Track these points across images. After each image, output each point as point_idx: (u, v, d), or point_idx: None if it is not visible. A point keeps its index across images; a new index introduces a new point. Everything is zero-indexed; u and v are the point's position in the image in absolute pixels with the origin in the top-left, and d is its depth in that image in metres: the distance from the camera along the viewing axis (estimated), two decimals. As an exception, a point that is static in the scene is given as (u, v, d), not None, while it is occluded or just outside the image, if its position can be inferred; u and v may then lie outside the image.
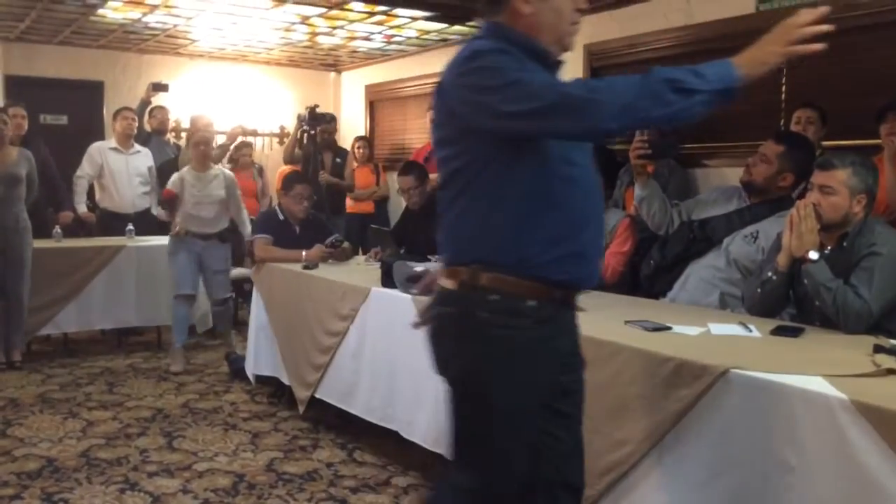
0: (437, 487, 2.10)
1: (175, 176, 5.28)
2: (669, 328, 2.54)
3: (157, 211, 5.90)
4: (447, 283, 1.87)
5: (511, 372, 1.80)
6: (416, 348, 3.24)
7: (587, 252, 1.89)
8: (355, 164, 7.42)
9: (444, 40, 7.28)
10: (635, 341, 2.37)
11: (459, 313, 1.84)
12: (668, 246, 3.58)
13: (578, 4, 1.86)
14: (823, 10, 1.69)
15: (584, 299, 3.03)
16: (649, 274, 3.64)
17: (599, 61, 5.85)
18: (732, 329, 2.55)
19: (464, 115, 1.80)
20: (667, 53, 5.37)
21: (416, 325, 2.02)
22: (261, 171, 7.26)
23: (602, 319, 2.75)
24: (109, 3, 5.97)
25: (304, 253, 4.44)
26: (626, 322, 2.62)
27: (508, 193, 1.78)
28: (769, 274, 2.75)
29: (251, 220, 5.50)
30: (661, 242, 3.68)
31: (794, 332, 2.48)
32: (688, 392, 2.13)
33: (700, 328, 2.56)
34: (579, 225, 1.85)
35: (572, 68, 5.98)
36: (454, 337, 1.86)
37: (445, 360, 1.91)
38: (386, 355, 3.50)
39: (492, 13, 1.88)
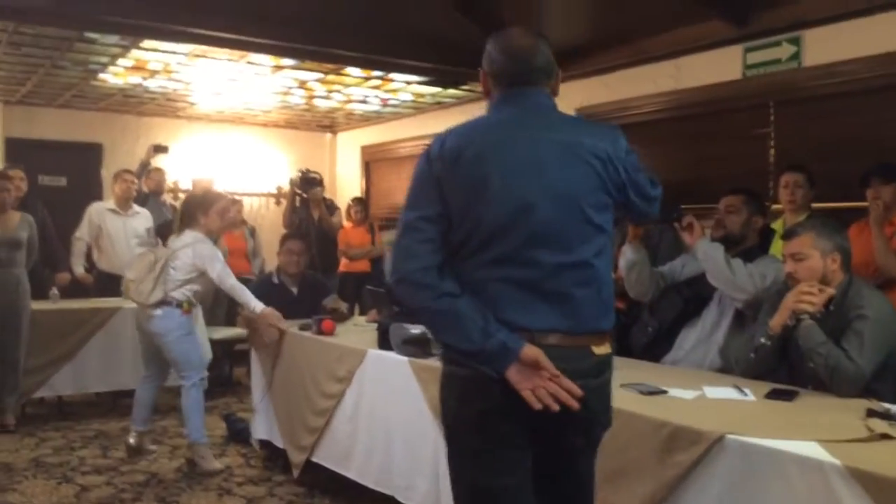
0: None
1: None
2: (665, 392, 2.57)
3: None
4: (604, 349, 1.94)
5: None
6: (413, 412, 3.27)
7: None
8: (349, 224, 7.49)
9: (439, 103, 7.43)
10: (631, 405, 2.39)
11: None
12: (660, 311, 3.61)
13: None
14: None
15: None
16: (646, 342, 3.65)
17: (591, 124, 5.98)
18: (727, 392, 2.58)
19: (623, 190, 1.97)
20: (656, 117, 5.51)
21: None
22: (253, 231, 7.31)
23: (598, 383, 2.78)
24: (111, 69, 6.10)
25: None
26: (622, 385, 2.63)
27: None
28: (762, 340, 2.79)
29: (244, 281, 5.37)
30: (650, 308, 3.71)
31: (788, 396, 2.51)
32: (684, 458, 2.15)
33: (695, 391, 2.58)
34: None
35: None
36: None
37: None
38: (383, 419, 3.50)
39: (546, 83, 2.03)
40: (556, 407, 1.77)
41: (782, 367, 2.86)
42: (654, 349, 3.63)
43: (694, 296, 3.53)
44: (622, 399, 2.47)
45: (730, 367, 3.12)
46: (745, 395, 2.54)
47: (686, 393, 2.57)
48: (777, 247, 3.58)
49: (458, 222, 1.87)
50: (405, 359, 3.37)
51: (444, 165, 1.88)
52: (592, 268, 1.90)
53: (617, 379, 2.70)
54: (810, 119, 4.67)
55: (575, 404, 1.78)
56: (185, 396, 4.39)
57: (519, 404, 1.79)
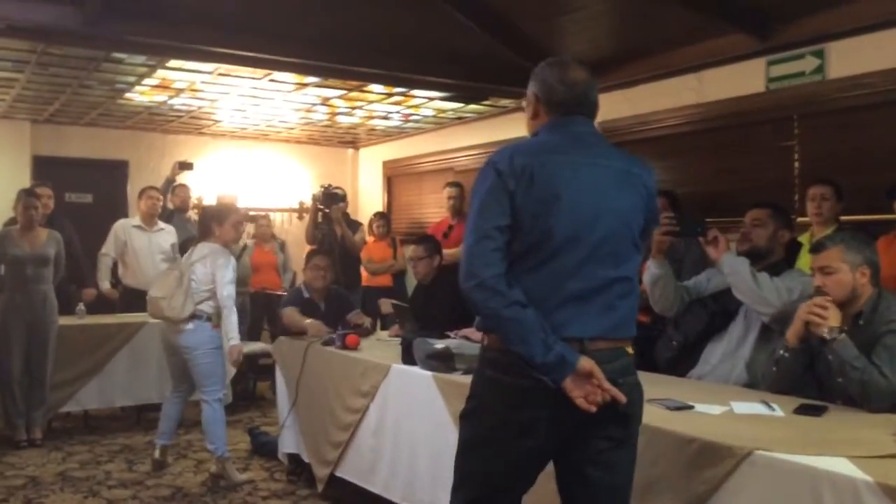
0: None
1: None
2: (692, 407, 2.55)
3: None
4: (632, 350, 2.13)
5: None
6: (437, 426, 3.27)
7: None
8: (371, 238, 7.52)
9: (460, 118, 7.47)
10: (658, 421, 2.38)
11: None
12: (685, 325, 3.58)
13: None
14: None
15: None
16: (671, 356, 3.62)
17: (612, 138, 5.95)
18: (755, 408, 2.55)
19: (654, 217, 2.26)
20: (677, 131, 5.51)
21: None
22: (283, 245, 7.36)
23: (623, 398, 2.77)
24: (137, 88, 6.19)
25: (308, 320, 4.51)
26: (648, 400, 2.61)
27: None
28: (781, 352, 2.77)
29: (274, 296, 5.51)
30: (674, 323, 3.68)
31: (816, 411, 2.48)
32: (712, 474, 2.13)
33: (723, 407, 2.56)
34: None
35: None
36: None
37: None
38: (406, 433, 3.51)
39: (594, 115, 2.22)
40: (593, 409, 1.93)
41: (810, 382, 2.83)
42: (679, 364, 3.60)
43: (720, 310, 3.50)
44: (649, 414, 2.46)
45: (756, 382, 3.09)
46: (774, 410, 2.52)
47: (713, 408, 2.55)
48: (804, 261, 3.56)
49: (526, 233, 2.00)
50: (429, 373, 3.37)
51: (517, 181, 2.00)
52: (632, 282, 2.11)
53: (644, 393, 2.72)
54: (835, 131, 4.65)
55: (623, 398, 1.97)
56: (208, 410, 4.41)
57: (565, 413, 1.95)
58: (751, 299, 3.21)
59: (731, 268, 3.24)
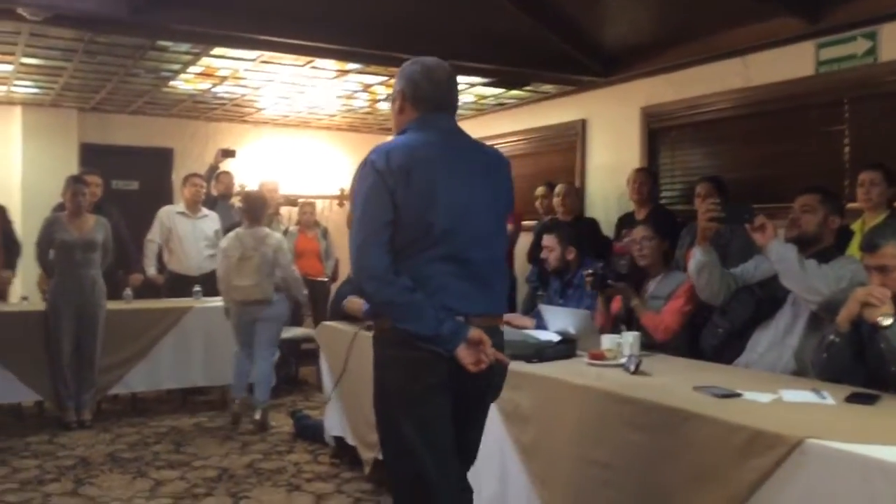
0: None
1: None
2: (740, 395, 2.52)
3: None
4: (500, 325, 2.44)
5: None
6: (481, 412, 3.27)
7: None
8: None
9: (501, 104, 7.43)
10: (705, 408, 2.35)
11: None
12: (731, 312, 3.53)
13: None
14: None
15: (648, 363, 3.05)
16: (717, 344, 3.58)
17: (656, 124, 5.91)
18: (805, 396, 2.51)
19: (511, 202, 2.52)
20: (723, 115, 5.42)
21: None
22: (325, 232, 7.42)
23: (669, 384, 2.75)
24: (181, 76, 6.26)
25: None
26: (695, 388, 2.60)
27: None
28: (831, 337, 2.72)
29: (317, 282, 5.79)
30: (720, 309, 3.64)
31: (869, 399, 2.44)
32: (762, 462, 2.10)
33: (771, 395, 2.52)
34: None
35: (629, 131, 6.06)
36: None
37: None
38: (449, 418, 3.51)
39: (455, 110, 2.46)
40: (483, 367, 2.20)
41: (859, 371, 2.78)
42: (725, 351, 3.56)
43: (767, 297, 3.44)
44: (696, 402, 2.45)
45: (805, 370, 3.04)
46: (824, 398, 2.47)
47: (762, 396, 2.51)
48: (855, 248, 3.49)
49: (407, 227, 2.20)
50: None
51: (395, 180, 2.19)
52: (503, 263, 2.43)
53: (688, 381, 2.71)
54: (887, 115, 4.53)
55: (507, 361, 2.32)
56: (266, 368, 5.41)
57: (456, 379, 2.21)
58: (798, 287, 3.16)
59: (778, 255, 3.19)
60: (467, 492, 2.44)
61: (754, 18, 4.78)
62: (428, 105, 2.35)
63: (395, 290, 2.18)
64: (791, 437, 2.06)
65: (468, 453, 2.44)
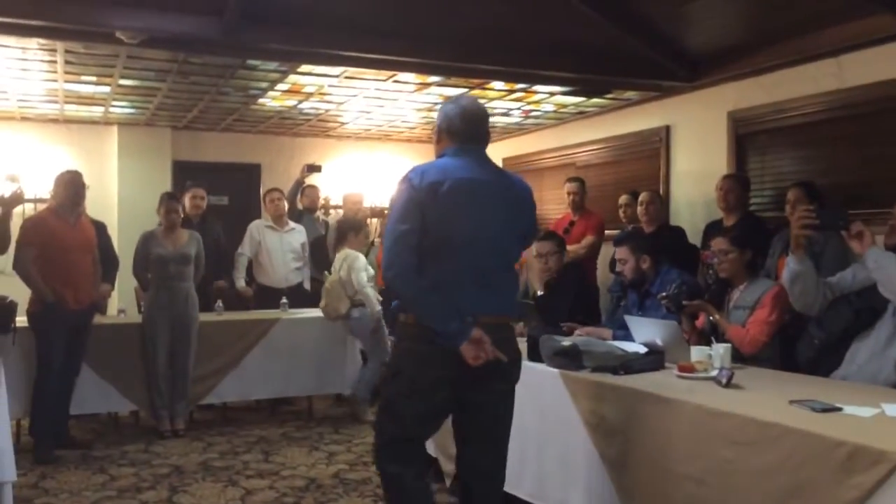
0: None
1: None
2: (840, 409, 2.42)
3: None
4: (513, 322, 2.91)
5: None
6: (565, 424, 3.24)
7: None
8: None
9: (581, 113, 7.36)
10: (803, 423, 2.27)
11: None
12: (827, 322, 3.39)
13: None
14: None
15: (740, 376, 2.96)
16: (812, 356, 3.44)
17: (745, 128, 5.75)
18: (910, 410, 2.40)
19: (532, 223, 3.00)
20: (816, 119, 5.23)
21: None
22: None
23: (764, 398, 2.67)
24: (269, 93, 6.44)
25: None
26: (791, 402, 2.51)
27: None
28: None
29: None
30: (816, 320, 3.49)
31: (981, 415, 2.31)
32: (864, 479, 2.02)
33: (873, 409, 2.42)
34: None
35: (716, 137, 5.92)
36: None
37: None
38: (533, 430, 3.49)
39: (487, 143, 2.89)
40: (480, 363, 2.60)
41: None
42: (821, 363, 3.43)
43: (865, 306, 3.29)
44: (793, 416, 2.36)
45: (909, 383, 2.90)
46: (931, 413, 2.35)
47: (863, 410, 2.41)
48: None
49: (433, 236, 2.62)
50: (556, 371, 3.35)
51: (426, 195, 2.61)
52: (513, 272, 2.87)
53: (784, 394, 2.61)
54: None
55: (504, 358, 2.63)
56: (367, 370, 5.94)
57: (460, 371, 2.60)
58: None
59: (876, 263, 3.05)
60: (496, 480, 2.85)
61: (847, 17, 4.60)
62: (462, 137, 2.79)
63: (416, 288, 2.62)
64: (895, 454, 1.96)
65: (494, 440, 2.81)
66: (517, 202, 2.81)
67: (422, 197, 2.61)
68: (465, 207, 2.64)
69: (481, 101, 6.73)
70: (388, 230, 2.67)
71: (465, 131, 2.79)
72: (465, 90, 6.35)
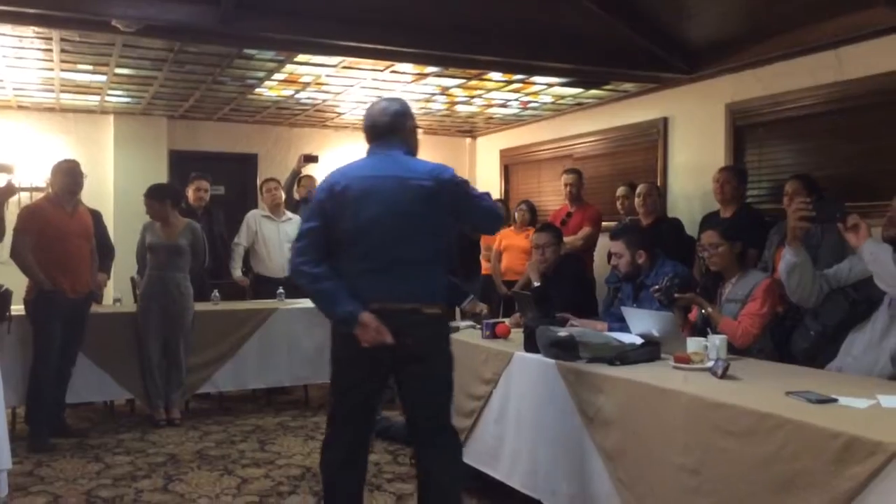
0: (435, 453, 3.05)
1: None
2: (835, 400, 2.42)
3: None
4: (433, 310, 2.96)
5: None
6: (560, 414, 3.25)
7: None
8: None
9: (580, 104, 7.35)
10: (799, 414, 2.27)
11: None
12: (824, 314, 3.39)
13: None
14: None
15: (736, 367, 2.96)
16: (808, 347, 3.45)
17: (742, 120, 5.75)
18: (905, 402, 2.40)
19: (447, 209, 2.95)
20: (814, 111, 5.23)
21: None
22: None
23: (760, 389, 2.67)
24: (266, 83, 6.41)
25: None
26: (788, 393, 2.51)
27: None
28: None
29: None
30: (812, 311, 3.50)
31: (976, 407, 2.31)
32: (860, 470, 2.02)
33: (869, 400, 2.42)
34: None
35: (714, 129, 5.91)
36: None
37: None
38: (529, 421, 3.50)
39: (394, 136, 3.04)
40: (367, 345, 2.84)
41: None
42: (817, 354, 3.43)
43: (862, 298, 3.30)
44: (789, 407, 2.37)
45: (904, 375, 2.91)
46: (926, 405, 2.36)
47: (858, 402, 2.41)
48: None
49: (334, 232, 2.92)
50: (552, 361, 3.35)
51: (327, 194, 2.95)
52: (418, 262, 2.91)
53: (780, 385, 2.62)
54: None
55: (389, 340, 2.81)
56: None
57: (379, 351, 2.84)
58: (893, 288, 3.01)
59: (872, 255, 3.04)
60: (438, 448, 3.03)
61: (845, 10, 4.59)
62: (368, 137, 3.08)
63: (309, 280, 2.91)
64: (891, 444, 1.98)
65: (427, 415, 3.02)
66: (417, 196, 2.88)
67: (323, 198, 2.96)
68: (357, 204, 2.89)
69: (479, 92, 6.80)
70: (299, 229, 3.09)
71: (369, 131, 3.07)
72: (463, 80, 6.34)
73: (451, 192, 2.93)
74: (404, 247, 2.88)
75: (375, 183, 2.92)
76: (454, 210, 2.97)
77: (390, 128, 3.03)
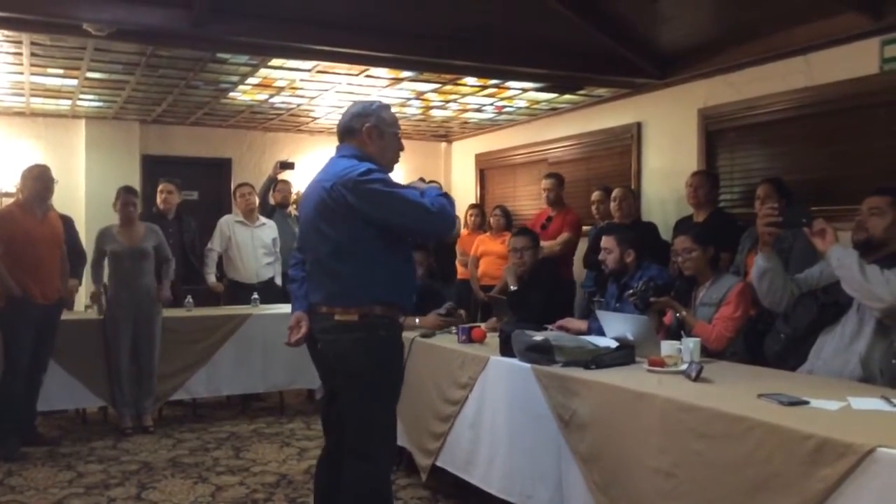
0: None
1: None
2: (807, 402, 2.45)
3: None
4: (346, 317, 2.90)
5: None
6: (535, 418, 3.25)
7: None
8: (466, 231, 7.53)
9: (554, 109, 7.39)
10: (770, 416, 2.29)
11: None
12: (794, 317, 3.43)
13: (401, 148, 3.13)
14: None
15: (710, 370, 2.98)
16: (779, 350, 3.48)
17: (715, 125, 5.80)
18: (875, 403, 2.43)
19: (351, 207, 2.81)
20: (785, 116, 5.29)
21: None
22: None
23: (733, 392, 2.70)
24: (240, 87, 6.38)
25: (417, 319, 4.50)
26: (759, 395, 2.54)
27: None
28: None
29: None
30: (783, 315, 3.54)
31: (943, 408, 2.35)
32: (831, 472, 2.04)
33: (839, 402, 2.45)
34: None
35: (686, 134, 5.97)
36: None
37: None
38: (504, 425, 3.50)
39: (349, 139, 3.04)
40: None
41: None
42: (788, 357, 3.47)
43: (830, 301, 3.33)
44: (761, 410, 2.39)
45: (873, 376, 2.95)
46: (895, 406, 2.39)
47: (829, 404, 2.44)
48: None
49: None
50: (528, 365, 3.36)
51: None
52: (326, 265, 2.90)
53: (752, 388, 2.64)
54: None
55: (293, 343, 3.08)
56: None
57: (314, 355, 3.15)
58: (859, 293, 3.04)
59: (838, 260, 3.08)
60: (360, 458, 2.88)
61: (816, 16, 4.66)
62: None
63: (288, 281, 3.28)
64: (862, 446, 1.99)
65: (346, 424, 2.93)
66: (321, 199, 2.85)
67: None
68: (302, 210, 3.09)
69: (454, 97, 6.82)
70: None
71: (338, 131, 3.12)
72: (438, 85, 6.34)
73: (356, 191, 2.75)
74: (320, 251, 2.91)
75: (309, 188, 3.03)
76: (362, 211, 2.77)
77: (346, 129, 3.04)
